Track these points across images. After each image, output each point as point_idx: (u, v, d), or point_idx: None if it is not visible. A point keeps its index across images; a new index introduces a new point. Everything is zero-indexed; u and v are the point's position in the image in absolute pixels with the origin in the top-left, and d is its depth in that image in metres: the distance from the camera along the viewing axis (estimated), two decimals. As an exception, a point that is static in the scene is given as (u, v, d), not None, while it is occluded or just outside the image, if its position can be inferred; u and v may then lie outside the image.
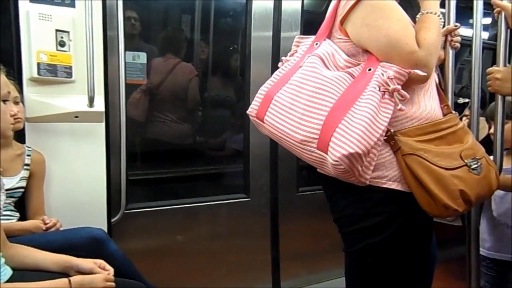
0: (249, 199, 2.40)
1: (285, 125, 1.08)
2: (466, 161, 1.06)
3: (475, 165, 1.07)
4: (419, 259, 1.13)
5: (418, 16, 1.16)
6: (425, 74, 1.01)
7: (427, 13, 1.12)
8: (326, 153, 0.99)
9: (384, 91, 0.99)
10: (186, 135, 2.58)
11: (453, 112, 1.18)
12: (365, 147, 0.95)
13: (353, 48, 1.10)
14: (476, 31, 1.50)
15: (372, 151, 0.99)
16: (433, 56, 1.05)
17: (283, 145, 1.14)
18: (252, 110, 1.19)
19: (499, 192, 1.72)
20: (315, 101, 1.04)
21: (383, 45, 1.03)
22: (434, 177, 1.01)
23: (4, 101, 1.14)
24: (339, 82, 1.04)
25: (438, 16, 1.13)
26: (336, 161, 0.96)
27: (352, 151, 0.94)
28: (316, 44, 1.16)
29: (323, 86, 1.04)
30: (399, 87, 0.99)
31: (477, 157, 1.09)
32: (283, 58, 1.24)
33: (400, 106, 1.00)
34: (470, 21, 1.54)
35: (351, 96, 1.01)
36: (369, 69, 1.04)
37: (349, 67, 1.08)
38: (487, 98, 2.31)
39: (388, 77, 0.99)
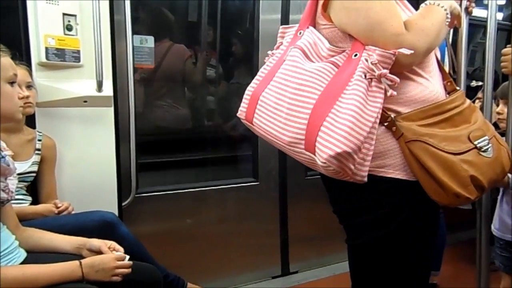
0: (258, 183, 2.41)
1: (272, 126, 1.01)
2: (475, 142, 0.98)
3: (486, 147, 0.98)
4: (426, 248, 1.07)
5: (422, 5, 1.04)
6: (412, 52, 0.90)
7: (431, 3, 1.02)
8: (314, 154, 0.91)
9: (371, 78, 0.90)
10: (186, 120, 2.55)
11: (457, 88, 1.08)
12: (354, 144, 0.86)
13: (339, 34, 1.00)
14: (491, 11, 1.45)
15: (364, 146, 0.90)
16: (422, 43, 0.93)
17: (276, 146, 1.06)
18: (241, 113, 1.12)
19: None
20: (298, 99, 0.96)
21: (363, 28, 0.93)
22: (442, 163, 0.93)
23: (12, 83, 1.13)
24: (322, 75, 0.96)
25: (444, 9, 1.01)
26: (324, 162, 0.88)
27: (339, 150, 0.86)
28: (300, 33, 1.07)
29: (305, 81, 0.96)
30: (386, 71, 0.89)
31: (487, 138, 1.00)
32: (269, 52, 1.15)
33: (390, 92, 0.90)
34: (485, 1, 1.50)
35: (335, 88, 0.92)
36: (355, 55, 0.94)
37: (332, 56, 0.99)
38: (500, 80, 2.26)
39: (372, 62, 0.89)
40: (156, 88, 2.37)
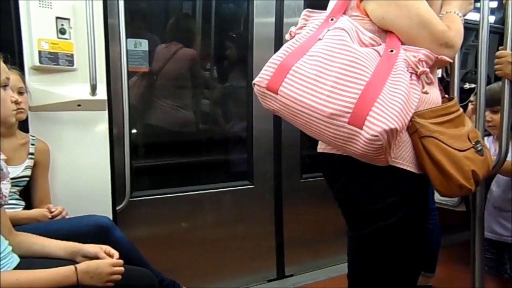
0: (253, 186, 2.41)
1: (310, 98, 1.00)
2: (473, 143, 1.10)
3: (480, 147, 1.11)
4: (424, 235, 1.18)
5: (441, 14, 1.16)
6: (451, 61, 1.04)
7: (451, 12, 1.15)
8: (360, 128, 0.94)
9: (412, 73, 1.01)
10: (187, 122, 2.55)
11: (446, 96, 1.21)
12: (402, 123, 0.94)
13: (368, 27, 1.09)
14: (484, 14, 1.47)
15: (402, 131, 0.98)
16: (459, 41, 1.09)
17: (299, 120, 1.05)
18: (261, 80, 1.08)
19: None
20: (348, 74, 0.98)
21: (415, 24, 1.04)
22: (449, 158, 1.05)
23: (4, 87, 1.13)
24: (370, 58, 1.01)
25: (460, 16, 1.15)
26: (376, 136, 0.92)
27: (392, 126, 0.92)
28: (332, 19, 1.10)
29: (356, 60, 1.00)
30: (428, 70, 1.01)
31: (479, 139, 1.13)
32: (292, 28, 1.15)
33: (425, 89, 1.02)
34: (477, 4, 1.51)
35: (383, 73, 0.99)
36: (391, 51, 1.03)
37: (373, 45, 1.06)
38: (493, 82, 2.29)
39: (419, 59, 1.01)
40: (150, 89, 2.36)
